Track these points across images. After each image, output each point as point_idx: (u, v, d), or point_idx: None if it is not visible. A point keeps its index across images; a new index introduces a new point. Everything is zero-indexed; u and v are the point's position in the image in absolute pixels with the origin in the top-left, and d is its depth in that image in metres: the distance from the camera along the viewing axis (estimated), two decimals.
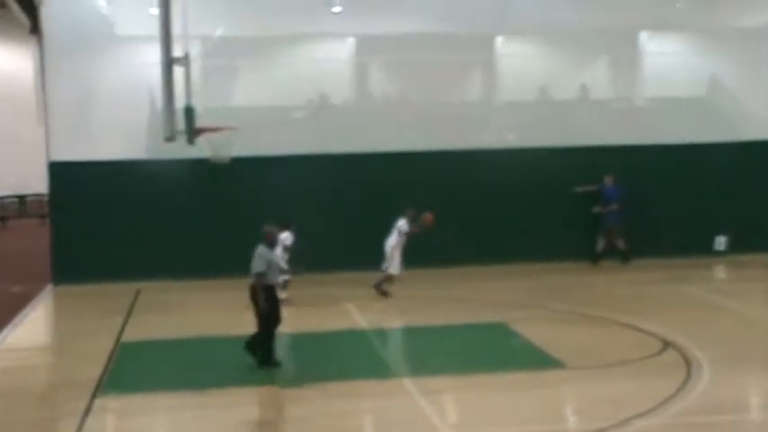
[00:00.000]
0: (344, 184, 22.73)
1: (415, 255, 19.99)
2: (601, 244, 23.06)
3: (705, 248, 23.20)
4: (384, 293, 19.65)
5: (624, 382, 13.25)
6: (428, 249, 20.67)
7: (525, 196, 23.05)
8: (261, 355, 14.23)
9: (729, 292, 19.93)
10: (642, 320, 16.58)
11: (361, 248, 20.58)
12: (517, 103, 25.08)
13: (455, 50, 24.42)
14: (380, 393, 13.03)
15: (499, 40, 25.51)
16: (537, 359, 14.51)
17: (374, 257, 19.61)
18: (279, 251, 17.78)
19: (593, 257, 23.04)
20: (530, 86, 25.14)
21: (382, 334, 16.87)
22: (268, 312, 14.12)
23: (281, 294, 17.18)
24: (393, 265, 19.56)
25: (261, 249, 14.30)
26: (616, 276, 21.98)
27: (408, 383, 13.37)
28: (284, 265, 17.73)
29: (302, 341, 16.10)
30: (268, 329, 14.23)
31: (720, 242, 23.28)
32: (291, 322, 16.84)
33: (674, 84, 25.53)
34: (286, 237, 18.72)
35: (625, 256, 23.02)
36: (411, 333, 17.23)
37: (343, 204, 22.52)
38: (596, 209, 22.79)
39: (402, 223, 19.60)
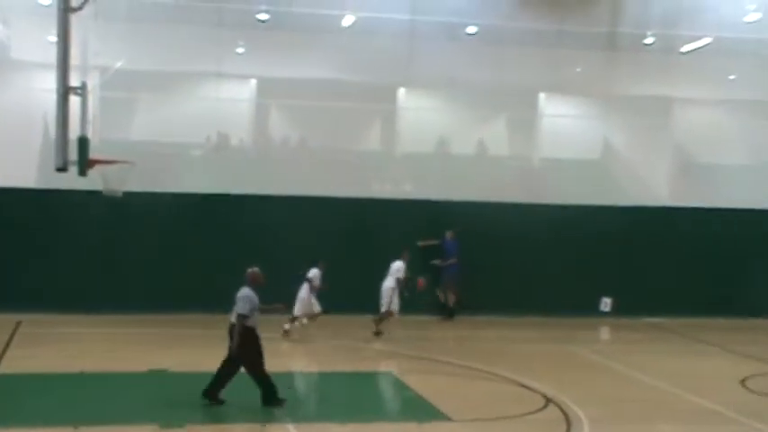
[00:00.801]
0: (240, 226, 22.50)
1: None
2: (442, 297, 23.15)
3: (591, 309, 23.63)
4: (379, 333, 20.26)
5: None
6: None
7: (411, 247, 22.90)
8: (264, 393, 14.08)
9: (612, 353, 20.29)
10: (526, 377, 16.72)
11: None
12: (416, 155, 25.30)
13: (357, 99, 24.55)
14: None
15: (401, 91, 25.76)
16: (423, 410, 14.48)
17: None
18: (305, 289, 19.56)
19: (445, 312, 23.09)
20: (429, 139, 25.41)
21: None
22: (245, 354, 13.94)
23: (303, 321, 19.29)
24: (393, 303, 20.30)
25: (245, 291, 14.23)
26: (503, 332, 22.16)
27: (292, 429, 13.19)
28: (314, 301, 19.27)
29: (193, 381, 15.77)
30: (257, 370, 14.05)
31: (606, 303, 23.74)
32: (188, 363, 16.54)
33: (569, 145, 26.10)
34: (315, 274, 19.58)
35: (450, 312, 23.07)
36: (299, 379, 17.04)
37: (235, 245, 22.24)
38: (435, 262, 22.86)
39: (399, 267, 20.34)
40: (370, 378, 16.67)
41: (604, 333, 23.15)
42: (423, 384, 15.87)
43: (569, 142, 26.32)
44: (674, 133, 26.75)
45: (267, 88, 24.90)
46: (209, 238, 22.22)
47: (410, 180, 25.53)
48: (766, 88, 25.72)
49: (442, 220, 23.34)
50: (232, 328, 14.21)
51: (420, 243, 22.72)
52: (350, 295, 22.07)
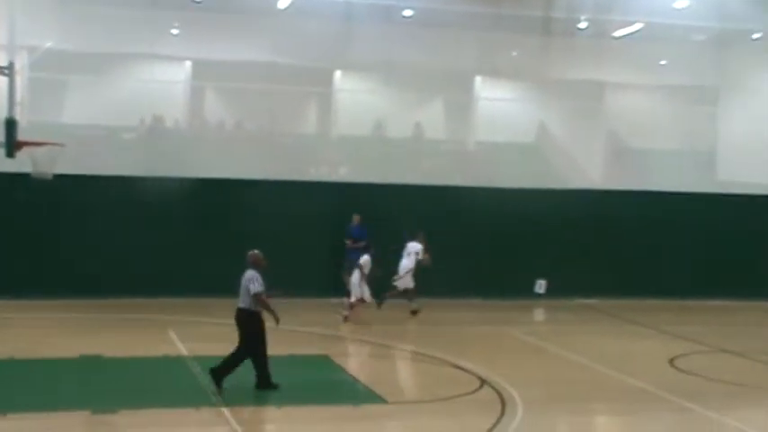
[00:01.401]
0: (172, 210, 22.25)
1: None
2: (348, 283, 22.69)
3: (526, 291, 23.84)
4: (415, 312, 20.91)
5: (441, 418, 13.41)
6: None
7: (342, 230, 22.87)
8: (259, 377, 14.25)
9: (546, 334, 20.51)
10: (462, 359, 16.84)
11: (188, 272, 20.26)
12: (352, 138, 25.28)
13: (293, 82, 24.46)
14: (196, 423, 12.73)
15: (338, 74, 25.71)
16: (358, 393, 14.53)
17: (203, 281, 19.31)
18: (356, 275, 20.12)
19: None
20: (365, 122, 25.40)
21: (202, 361, 16.47)
22: (256, 337, 14.16)
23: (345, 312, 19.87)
24: (405, 281, 20.89)
25: (251, 273, 14.34)
26: (437, 315, 22.23)
27: (227, 413, 13.12)
28: (365, 288, 19.84)
29: (125, 366, 15.64)
30: (258, 355, 14.22)
31: (540, 285, 23.96)
32: (120, 348, 16.38)
33: (504, 129, 26.30)
34: (365, 261, 20.09)
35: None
36: None
37: (169, 228, 22.02)
38: (347, 242, 22.46)
39: (416, 248, 20.82)
40: (305, 361, 16.63)
41: (539, 315, 23.39)
42: (358, 367, 15.91)
43: (505, 126, 26.55)
44: (608, 117, 27.12)
45: (202, 70, 24.68)
46: (141, 223, 21.94)
47: (346, 163, 25.51)
48: (696, 73, 26.17)
49: (378, 203, 23.31)
50: (239, 312, 14.34)
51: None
52: (292, 279, 22.05)
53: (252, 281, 14.29)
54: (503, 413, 13.56)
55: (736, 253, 24.43)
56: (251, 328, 14.27)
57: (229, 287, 21.34)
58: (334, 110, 26.01)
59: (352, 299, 20.39)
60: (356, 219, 22.55)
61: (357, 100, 25.80)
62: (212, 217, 22.14)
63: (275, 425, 13.07)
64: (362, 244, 22.28)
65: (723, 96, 27.69)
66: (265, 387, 14.28)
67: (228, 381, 14.45)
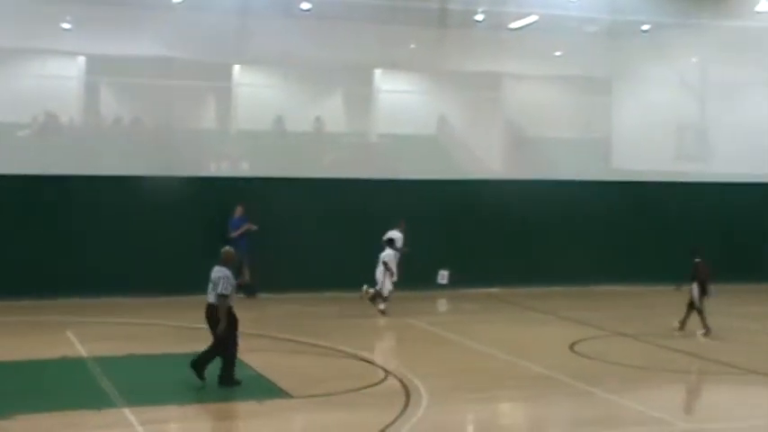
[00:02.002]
0: (69, 208, 21.79)
1: (140, 281, 19.52)
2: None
3: (429, 282, 24.01)
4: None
5: (346, 411, 13.45)
6: (148, 277, 20.48)
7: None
8: (222, 374, 14.27)
9: (449, 324, 20.69)
10: (366, 351, 16.91)
11: (86, 272, 19.93)
12: (252, 133, 25.11)
13: (191, 77, 24.16)
14: (98, 425, 12.52)
15: (236, 68, 25.49)
16: (262, 388, 14.44)
17: (101, 281, 19.00)
18: (380, 270, 20.89)
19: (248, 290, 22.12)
20: (265, 116, 25.26)
21: (102, 362, 16.19)
22: (227, 334, 14.15)
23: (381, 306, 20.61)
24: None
25: (223, 270, 14.33)
26: (343, 307, 22.23)
27: (129, 414, 12.93)
28: (387, 282, 20.69)
29: (12, 370, 15.26)
30: (228, 351, 14.25)
31: (443, 276, 24.15)
32: (16, 351, 15.99)
33: (405, 121, 26.45)
34: (389, 255, 20.88)
35: (250, 290, 22.11)
36: (133, 362, 16.64)
37: (67, 226, 21.57)
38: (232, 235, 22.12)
39: (398, 237, 21.49)
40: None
41: (442, 305, 23.60)
42: (262, 362, 15.82)
43: (405, 118, 26.70)
44: (506, 108, 27.47)
45: (96, 65, 24.20)
46: (34, 222, 21.44)
47: (247, 158, 25.34)
48: (590, 64, 26.69)
49: (282, 198, 23.24)
50: (210, 308, 14.34)
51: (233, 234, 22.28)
52: (191, 277, 21.86)
53: (222, 280, 14.28)
54: (407, 404, 13.66)
55: (631, 239, 25.03)
56: (223, 326, 14.28)
57: (127, 286, 21.31)
58: (233, 104, 25.78)
59: (384, 292, 20.96)
60: (239, 210, 22.36)
61: (256, 94, 25.63)
62: (108, 214, 21.77)
63: (179, 424, 12.93)
64: (242, 230, 21.99)
65: (615, 86, 28.32)
66: (228, 384, 14.31)
67: (129, 380, 14.24)
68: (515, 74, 26.87)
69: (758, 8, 27.24)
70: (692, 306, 19.76)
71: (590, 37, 27.36)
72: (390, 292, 21.14)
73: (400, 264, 21.57)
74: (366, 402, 13.95)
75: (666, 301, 23.10)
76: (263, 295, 22.21)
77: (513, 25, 26.40)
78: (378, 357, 16.43)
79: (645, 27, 27.43)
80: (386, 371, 15.54)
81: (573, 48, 26.98)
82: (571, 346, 18.11)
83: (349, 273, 22.71)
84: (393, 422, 12.75)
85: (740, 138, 26.26)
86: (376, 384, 14.79)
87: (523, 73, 27.05)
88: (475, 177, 25.55)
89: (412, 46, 26.74)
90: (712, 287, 19.71)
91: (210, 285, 14.44)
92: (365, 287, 21.34)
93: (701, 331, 19.57)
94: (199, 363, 14.39)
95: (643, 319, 21.12)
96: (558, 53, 27.59)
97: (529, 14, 26.24)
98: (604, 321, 20.91)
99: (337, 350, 17.21)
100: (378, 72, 26.85)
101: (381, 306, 21.05)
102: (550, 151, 26.31)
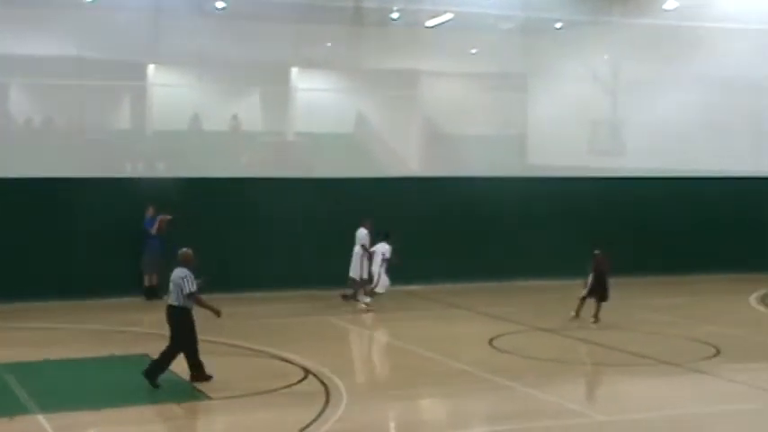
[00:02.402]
0: None
1: (53, 285, 19.13)
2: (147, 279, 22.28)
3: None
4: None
5: (266, 411, 13.38)
6: (62, 280, 20.12)
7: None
8: (194, 371, 14.51)
9: (369, 322, 20.76)
10: (286, 350, 16.83)
11: None
12: (168, 133, 24.81)
13: (104, 76, 23.76)
14: None
15: (151, 67, 25.14)
16: (181, 391, 14.29)
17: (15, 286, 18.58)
18: (377, 263, 21.23)
19: (146, 292, 22.18)
20: (182, 116, 24.98)
21: (15, 369, 15.84)
22: (188, 333, 14.40)
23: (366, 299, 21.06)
24: (364, 271, 21.67)
25: (183, 271, 14.39)
26: (261, 307, 22.14)
27: (43, 420, 12.68)
28: (384, 277, 21.11)
29: None
30: (190, 348, 14.51)
31: None
32: None
33: (323, 120, 26.41)
34: (386, 248, 21.26)
35: (152, 292, 22.01)
36: (48, 367, 16.32)
37: None
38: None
39: (363, 235, 21.76)
40: (125, 362, 16.24)
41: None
42: (181, 364, 15.62)
43: (323, 116, 26.64)
44: (423, 105, 27.58)
45: (5, 66, 23.63)
46: None
47: (164, 158, 25.02)
48: (506, 61, 26.95)
49: (201, 198, 23.03)
50: (170, 310, 14.47)
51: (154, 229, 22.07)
52: (105, 280, 21.57)
53: (185, 280, 14.34)
54: (327, 403, 13.65)
55: (547, 233, 25.35)
56: (182, 325, 14.42)
57: (40, 290, 20.89)
58: (148, 104, 25.41)
59: (376, 288, 21.51)
60: (150, 210, 22.14)
61: (172, 94, 25.31)
62: (19, 217, 21.34)
63: (95, 429, 12.71)
64: (158, 223, 21.80)
65: (531, 83, 28.64)
66: (200, 380, 14.43)
67: (43, 385, 13.96)
68: (432, 71, 26.99)
69: (666, 6, 27.81)
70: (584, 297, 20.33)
71: (505, 34, 27.62)
72: (365, 284, 21.63)
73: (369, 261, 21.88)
74: (286, 402, 13.89)
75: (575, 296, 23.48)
76: None
77: (429, 23, 26.53)
78: (298, 357, 16.33)
79: (558, 25, 27.81)
80: (306, 370, 15.50)
81: (488, 45, 27.23)
82: (490, 342, 18.28)
83: (271, 272, 22.66)
84: (313, 421, 12.72)
85: (651, 133, 26.80)
86: (296, 384, 14.73)
87: (440, 70, 27.19)
88: (393, 175, 25.62)
89: (328, 44, 26.69)
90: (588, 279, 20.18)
91: (171, 287, 14.50)
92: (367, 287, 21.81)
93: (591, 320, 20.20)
94: (153, 367, 14.45)
95: (561, 314, 21.40)
96: (473, 50, 27.81)
97: (444, 12, 26.39)
98: (523, 316, 21.15)
99: (257, 350, 17.10)
100: (294, 70, 26.73)
101: (366, 300, 21.42)
102: (467, 148, 26.52)
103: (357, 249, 21.84)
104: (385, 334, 19.05)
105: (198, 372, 14.61)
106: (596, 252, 20.35)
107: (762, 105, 27.42)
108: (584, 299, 20.41)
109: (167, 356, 14.55)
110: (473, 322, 20.85)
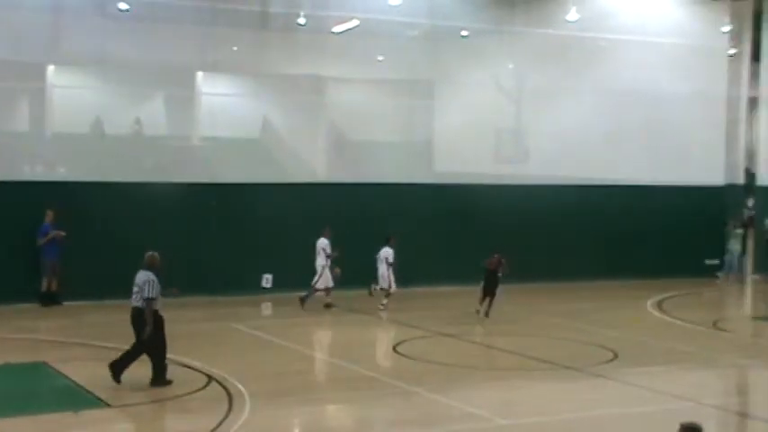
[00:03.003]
0: None
1: None
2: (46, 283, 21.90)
3: (253, 286, 23.86)
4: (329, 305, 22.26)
5: (167, 419, 13.21)
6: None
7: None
8: (154, 376, 14.55)
9: (273, 328, 20.62)
10: (189, 357, 16.60)
11: None
12: (69, 136, 24.31)
13: (1, 77, 23.16)
14: None
15: (50, 68, 24.58)
16: (79, 399, 13.98)
17: None
18: (384, 267, 22.32)
19: (46, 297, 21.78)
20: (83, 119, 24.48)
21: None
22: (155, 336, 14.41)
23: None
24: (327, 279, 22.22)
25: (147, 275, 14.55)
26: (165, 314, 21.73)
27: None
28: (392, 278, 22.23)
29: None
30: (157, 352, 14.56)
31: (267, 279, 24.07)
32: None
33: (228, 124, 26.20)
34: (388, 253, 22.29)
35: (50, 298, 21.75)
36: None
37: None
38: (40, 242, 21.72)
39: (325, 244, 22.06)
40: (21, 370, 15.84)
41: (266, 309, 23.45)
42: (79, 372, 15.32)
43: (228, 121, 26.44)
44: (329, 111, 27.56)
45: None
46: None
47: (64, 161, 24.51)
48: (412, 68, 27.11)
49: (102, 203, 22.62)
50: (135, 312, 14.56)
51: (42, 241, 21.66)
52: (5, 281, 21.07)
53: (147, 284, 14.53)
54: (230, 409, 13.50)
55: (452, 240, 25.56)
56: (150, 329, 14.51)
57: None
58: (48, 106, 24.83)
59: (390, 288, 22.38)
60: (49, 215, 21.74)
61: (73, 96, 24.76)
62: None
63: None
64: (49, 237, 21.45)
65: (437, 90, 28.85)
66: (159, 384, 14.48)
67: None
68: (338, 77, 26.99)
69: (569, 17, 28.33)
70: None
71: (412, 41, 27.80)
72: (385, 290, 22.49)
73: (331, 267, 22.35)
74: (188, 409, 13.71)
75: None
76: (74, 303, 21.58)
77: (336, 29, 26.53)
78: (200, 363, 16.13)
79: (464, 33, 28.08)
80: (208, 376, 15.31)
81: (395, 52, 27.35)
82: (394, 348, 18.33)
83: (172, 278, 22.33)
84: (216, 428, 12.57)
85: (553, 141, 27.26)
86: (198, 391, 14.54)
87: (346, 76, 27.21)
88: (299, 181, 25.55)
89: (234, 48, 26.48)
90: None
91: (135, 289, 14.64)
92: (373, 286, 22.62)
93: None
94: (118, 364, 14.51)
95: (464, 319, 21.60)
96: (380, 57, 27.90)
97: (351, 19, 26.42)
98: (427, 322, 21.26)
99: None
100: (199, 74, 26.42)
101: (384, 301, 22.29)
102: (374, 154, 26.59)
103: (320, 261, 22.21)
104: (288, 339, 18.92)
105: (160, 375, 14.65)
106: (494, 254, 21.52)
107: (659, 115, 28.10)
108: (482, 298, 21.49)
109: (131, 355, 14.65)
110: (377, 328, 20.91)
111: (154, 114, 26.15)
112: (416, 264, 24.76)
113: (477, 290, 21.55)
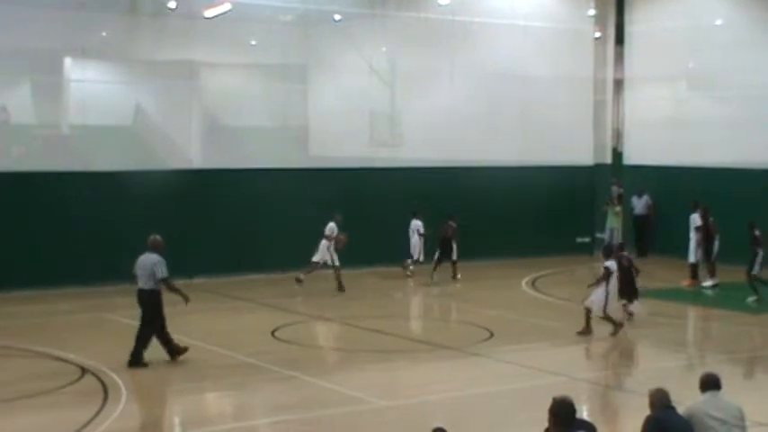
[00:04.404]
0: None
1: None
2: None
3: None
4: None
5: (41, 414, 12.92)
6: None
7: None
8: (170, 351, 15.55)
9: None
10: (62, 350, 16.27)
11: None
12: None
13: None
14: None
15: None
16: None
17: None
18: (416, 238, 24.46)
19: None
20: None
21: None
22: (158, 314, 15.41)
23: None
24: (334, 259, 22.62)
25: (154, 257, 15.35)
26: (33, 307, 21.19)
27: None
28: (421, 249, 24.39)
29: None
30: (156, 329, 15.43)
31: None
32: None
33: (99, 111, 25.66)
34: (417, 225, 24.42)
35: None
36: None
37: None
38: None
39: (332, 227, 22.49)
40: None
41: None
42: None
43: (99, 108, 25.88)
44: (203, 97, 27.22)
45: None
46: None
47: None
48: (286, 52, 26.98)
49: None
50: (141, 294, 15.48)
51: None
52: None
53: (158, 265, 15.31)
54: (105, 401, 13.31)
55: (314, 226, 25.55)
56: (154, 306, 15.45)
57: None
58: None
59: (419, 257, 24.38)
60: None
61: None
62: None
63: None
64: None
65: (312, 74, 28.80)
66: (180, 353, 15.59)
67: None
68: (211, 62, 26.67)
69: (440, 1, 28.62)
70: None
71: (285, 26, 27.69)
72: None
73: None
74: (60, 403, 13.44)
75: (364, 284, 24.00)
76: None
77: (207, 14, 26.17)
78: (73, 355, 15.81)
79: (337, 17, 28.06)
80: (82, 368, 15.03)
81: (268, 36, 27.19)
82: (273, 333, 18.30)
83: (42, 269, 21.87)
84: (90, 421, 12.37)
85: (426, 124, 27.52)
86: (71, 384, 14.26)
87: (220, 61, 26.92)
88: (174, 167, 25.19)
89: (103, 33, 25.86)
90: None
91: (140, 272, 15.44)
92: (408, 261, 24.65)
93: None
94: (136, 357, 15.17)
95: (343, 303, 21.71)
96: (253, 42, 27.68)
97: (223, 3, 26.11)
98: (306, 306, 21.30)
99: (30, 350, 16.43)
100: (67, 60, 25.72)
101: (411, 267, 24.46)
102: (249, 139, 26.41)
103: (324, 242, 22.59)
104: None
105: (172, 346, 15.56)
106: (448, 222, 24.12)
107: (529, 98, 28.62)
108: (437, 263, 24.20)
109: (144, 337, 15.39)
110: (255, 314, 20.80)
111: (20, 102, 25.38)
112: (293, 248, 24.72)
113: (359, 273, 21.55)
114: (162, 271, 15.34)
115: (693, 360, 17.82)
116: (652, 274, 23.91)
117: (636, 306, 18.98)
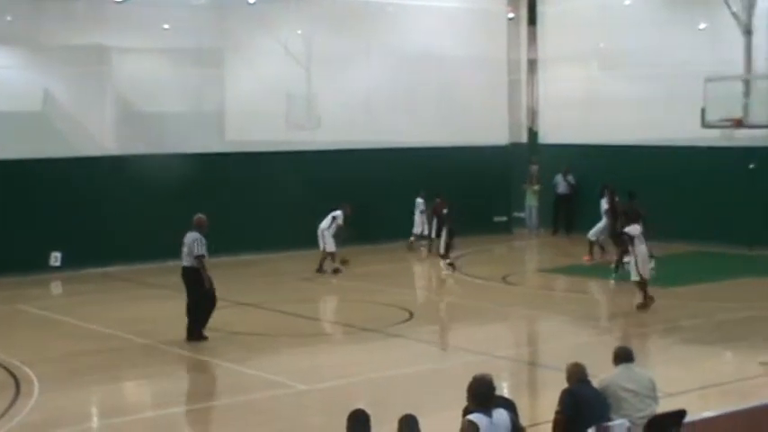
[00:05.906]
0: None
1: None
2: None
3: (41, 264, 22.92)
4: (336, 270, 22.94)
5: None
6: None
7: None
8: (192, 329, 15.92)
9: (63, 308, 19.86)
10: None
11: None
12: None
13: None
14: None
15: None
16: None
17: None
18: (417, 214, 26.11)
19: None
20: None
21: None
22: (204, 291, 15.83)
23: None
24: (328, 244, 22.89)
25: (195, 234, 15.88)
26: None
27: None
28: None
29: None
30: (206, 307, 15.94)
31: (56, 257, 23.19)
32: None
33: (7, 98, 25.11)
34: (419, 202, 26.08)
35: None
36: None
37: None
38: None
39: (337, 215, 22.97)
40: None
41: (56, 288, 22.53)
42: None
43: (6, 94, 25.36)
44: (115, 82, 26.76)
45: None
46: None
47: None
48: (200, 37, 26.63)
49: None
50: (184, 270, 15.99)
51: None
52: None
53: (197, 243, 15.80)
54: (17, 394, 13.00)
55: (248, 209, 25.33)
56: (198, 283, 15.87)
57: None
58: None
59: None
60: None
61: None
62: None
63: None
64: None
65: (227, 58, 28.49)
66: (199, 339, 15.89)
67: None
68: (123, 47, 26.18)
69: None
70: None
71: (198, 9, 27.33)
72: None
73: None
74: None
75: (282, 268, 23.88)
76: None
77: None
78: None
79: (252, 1, 27.71)
80: None
81: (181, 20, 26.79)
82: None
83: None
84: (3, 415, 12.05)
85: (343, 106, 27.42)
86: None
87: (131, 46, 26.43)
88: (87, 154, 24.68)
89: (8, 18, 25.21)
90: None
91: (185, 249, 15.95)
92: (411, 238, 26.16)
93: None
94: (193, 331, 15.81)
95: (263, 287, 21.56)
96: (166, 26, 27.22)
97: None
98: (226, 292, 21.01)
99: None
100: None
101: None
102: (164, 125, 26.03)
103: (325, 225, 22.91)
104: (80, 318, 18.30)
105: (196, 330, 15.86)
106: (436, 199, 24.64)
107: (446, 78, 28.69)
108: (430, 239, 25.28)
109: (193, 311, 15.96)
110: (172, 301, 20.33)
111: None
112: (215, 233, 24.43)
113: (284, 256, 21.36)
114: (199, 249, 15.81)
115: (607, 334, 18.06)
116: (565, 250, 24.18)
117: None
